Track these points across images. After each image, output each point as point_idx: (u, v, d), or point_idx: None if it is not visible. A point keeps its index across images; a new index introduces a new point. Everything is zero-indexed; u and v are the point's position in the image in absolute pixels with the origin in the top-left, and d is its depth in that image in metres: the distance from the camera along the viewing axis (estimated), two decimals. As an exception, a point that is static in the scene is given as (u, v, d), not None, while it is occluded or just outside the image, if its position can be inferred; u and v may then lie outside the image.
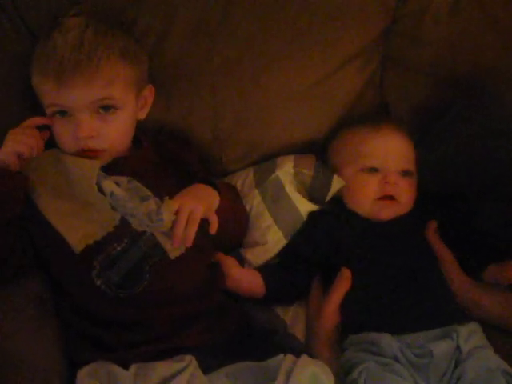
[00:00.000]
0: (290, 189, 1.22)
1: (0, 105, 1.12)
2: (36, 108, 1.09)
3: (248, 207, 1.24)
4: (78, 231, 1.06)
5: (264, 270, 1.19)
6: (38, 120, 1.08)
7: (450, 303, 1.12)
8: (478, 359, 1.03)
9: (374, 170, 1.20)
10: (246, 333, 1.11)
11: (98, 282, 1.05)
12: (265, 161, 1.28)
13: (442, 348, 1.04)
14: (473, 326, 1.09)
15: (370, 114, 1.32)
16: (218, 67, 1.19)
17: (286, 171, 1.23)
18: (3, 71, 1.12)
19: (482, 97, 1.20)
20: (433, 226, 1.19)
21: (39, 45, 1.06)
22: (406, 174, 1.20)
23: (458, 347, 1.05)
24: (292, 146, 1.27)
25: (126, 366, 0.99)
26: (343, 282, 1.12)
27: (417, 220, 1.21)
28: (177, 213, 1.01)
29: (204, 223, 1.05)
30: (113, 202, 1.02)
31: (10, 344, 0.99)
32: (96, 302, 1.05)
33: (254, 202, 1.24)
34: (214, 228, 1.05)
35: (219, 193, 1.12)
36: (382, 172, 1.19)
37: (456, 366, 1.03)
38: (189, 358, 1.01)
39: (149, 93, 1.15)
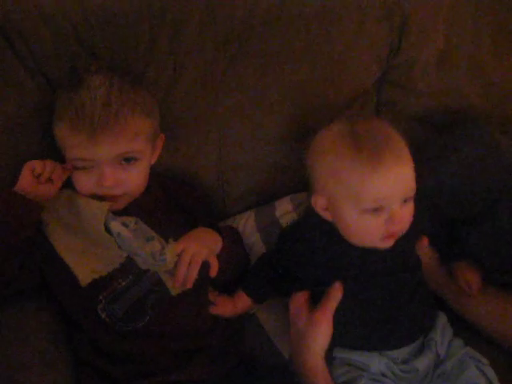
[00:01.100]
0: None
1: (19, 153, 1.17)
2: (53, 155, 1.15)
3: (248, 249, 1.29)
4: (86, 266, 1.11)
5: (250, 288, 1.19)
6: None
7: (428, 310, 1.15)
8: (452, 355, 1.10)
9: (378, 210, 1.05)
10: (247, 368, 1.16)
11: (103, 315, 1.10)
12: (265, 203, 1.34)
13: (425, 363, 1.09)
14: (441, 321, 1.14)
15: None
16: (222, 115, 1.25)
17: (285, 212, 1.30)
18: (22, 120, 1.16)
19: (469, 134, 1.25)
20: (424, 242, 1.17)
21: (64, 100, 1.10)
22: (407, 200, 1.07)
23: (436, 352, 1.11)
24: (291, 188, 1.32)
25: (132, 398, 1.04)
26: (336, 292, 1.09)
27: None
28: (180, 255, 1.06)
29: (206, 265, 1.09)
30: (119, 242, 1.08)
31: (23, 376, 1.04)
32: (102, 334, 1.11)
33: (255, 247, 1.30)
34: (213, 271, 1.09)
35: (222, 237, 1.17)
36: (386, 210, 1.05)
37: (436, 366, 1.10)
38: (193, 390, 1.06)
39: (160, 140, 1.20)
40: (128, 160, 1.11)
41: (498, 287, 1.20)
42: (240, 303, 1.19)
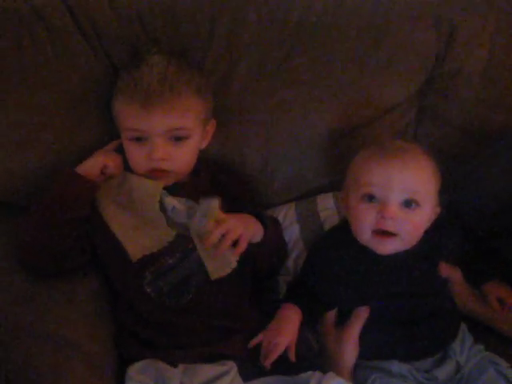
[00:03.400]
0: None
1: (80, 126, 1.24)
2: (109, 127, 1.22)
3: (287, 238, 1.33)
4: (137, 243, 1.17)
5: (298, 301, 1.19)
6: (115, 143, 1.22)
7: (451, 324, 1.18)
8: (471, 360, 1.14)
9: (372, 199, 1.10)
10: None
11: (149, 290, 1.15)
12: (306, 196, 1.38)
13: (445, 372, 1.13)
14: (461, 331, 1.18)
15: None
16: (273, 106, 1.29)
17: (326, 208, 1.35)
18: (84, 95, 1.23)
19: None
20: (442, 265, 1.20)
21: (125, 75, 1.17)
22: (409, 204, 1.09)
23: (456, 361, 1.14)
24: (334, 185, 1.35)
25: (173, 365, 1.09)
26: (363, 313, 1.15)
27: (427, 249, 1.16)
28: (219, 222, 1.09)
29: (247, 253, 1.13)
30: (173, 215, 1.13)
31: (70, 332, 1.09)
32: (146, 306, 1.16)
33: (293, 238, 1.34)
34: (236, 252, 1.10)
35: (266, 226, 1.18)
36: (380, 202, 1.09)
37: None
38: (231, 363, 1.10)
39: (211, 126, 1.25)
40: (178, 139, 1.16)
41: None
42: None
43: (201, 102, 1.18)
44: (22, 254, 1.15)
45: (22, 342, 1.03)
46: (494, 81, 1.35)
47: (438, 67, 1.35)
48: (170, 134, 1.15)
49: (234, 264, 1.16)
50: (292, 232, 1.34)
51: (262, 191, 1.37)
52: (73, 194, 1.14)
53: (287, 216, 1.36)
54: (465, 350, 1.16)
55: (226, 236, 1.08)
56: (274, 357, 1.09)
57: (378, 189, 1.09)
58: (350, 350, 1.14)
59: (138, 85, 1.13)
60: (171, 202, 1.14)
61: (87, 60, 1.21)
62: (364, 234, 1.11)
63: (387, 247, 1.11)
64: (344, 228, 1.18)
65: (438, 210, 1.16)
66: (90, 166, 1.18)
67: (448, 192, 1.23)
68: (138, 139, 1.16)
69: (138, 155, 1.17)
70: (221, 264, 1.16)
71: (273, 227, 1.23)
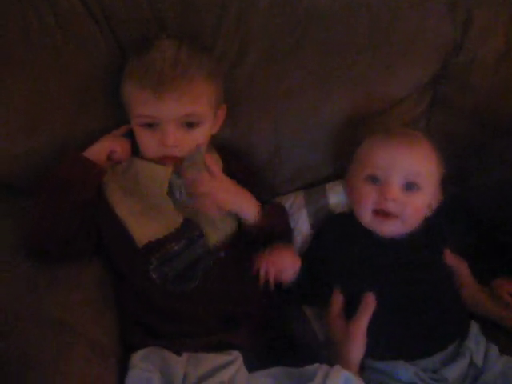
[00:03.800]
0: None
1: (87, 111, 1.22)
2: (117, 113, 1.20)
3: (293, 224, 1.32)
4: (143, 228, 1.16)
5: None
6: (124, 128, 1.21)
7: (458, 316, 1.16)
8: (492, 365, 1.10)
9: (374, 180, 1.15)
10: (287, 343, 1.18)
11: (154, 276, 1.14)
12: (314, 184, 1.37)
13: (456, 372, 1.10)
14: (474, 330, 1.15)
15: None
16: (282, 93, 1.27)
17: (335, 193, 1.33)
18: (92, 80, 1.21)
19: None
20: (447, 253, 1.21)
21: (135, 61, 1.15)
22: (411, 187, 1.14)
23: (471, 362, 1.11)
24: (341, 175, 1.33)
25: (177, 354, 1.08)
26: (370, 305, 1.13)
27: (430, 234, 1.18)
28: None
29: (246, 233, 1.16)
30: (183, 197, 1.13)
31: (74, 318, 1.07)
32: (151, 293, 1.15)
33: (301, 223, 1.32)
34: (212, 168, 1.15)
35: (263, 208, 1.19)
36: (382, 184, 1.14)
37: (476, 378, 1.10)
38: (236, 353, 1.09)
39: (222, 111, 1.24)
40: (190, 124, 1.15)
41: None
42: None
43: (212, 87, 1.16)
44: (28, 239, 1.14)
45: (25, 328, 1.02)
46: (509, 70, 1.32)
47: (453, 56, 1.32)
48: (182, 119, 1.14)
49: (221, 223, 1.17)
50: (299, 218, 1.33)
51: (270, 179, 1.36)
52: (79, 178, 1.13)
53: (295, 203, 1.35)
54: (480, 350, 1.13)
55: (203, 188, 1.13)
56: (272, 275, 1.11)
57: (381, 171, 1.14)
58: (357, 343, 1.12)
59: (150, 70, 1.11)
60: (182, 183, 1.14)
61: (96, 45, 1.20)
62: (365, 214, 1.16)
63: (388, 228, 1.15)
64: (350, 214, 1.21)
65: (441, 198, 1.18)
66: (97, 151, 1.17)
67: (459, 182, 1.23)
68: (149, 125, 1.15)
69: (149, 141, 1.16)
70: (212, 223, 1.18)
71: (272, 210, 1.24)
